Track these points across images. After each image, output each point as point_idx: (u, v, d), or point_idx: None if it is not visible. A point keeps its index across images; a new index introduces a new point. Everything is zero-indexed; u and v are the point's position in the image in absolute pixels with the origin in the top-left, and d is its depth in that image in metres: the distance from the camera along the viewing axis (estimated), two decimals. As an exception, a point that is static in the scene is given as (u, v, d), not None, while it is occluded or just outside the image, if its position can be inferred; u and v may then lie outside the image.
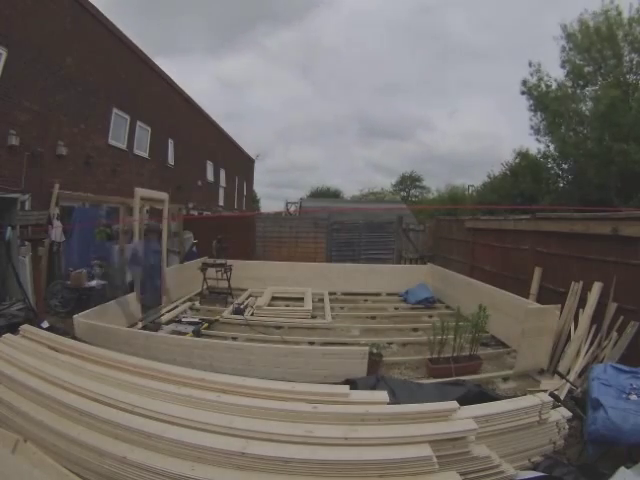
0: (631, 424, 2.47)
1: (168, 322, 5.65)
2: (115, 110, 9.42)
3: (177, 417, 2.27)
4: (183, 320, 5.77)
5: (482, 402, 2.69)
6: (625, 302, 4.06)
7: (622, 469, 2.18)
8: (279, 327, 5.82)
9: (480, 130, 56.87)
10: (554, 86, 16.44)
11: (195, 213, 13.72)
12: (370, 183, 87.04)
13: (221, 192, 18.83)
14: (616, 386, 2.78)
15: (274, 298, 7.40)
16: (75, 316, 4.40)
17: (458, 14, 57.55)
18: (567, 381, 3.51)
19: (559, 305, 4.44)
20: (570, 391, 3.50)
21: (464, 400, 2.74)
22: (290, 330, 5.72)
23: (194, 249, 9.43)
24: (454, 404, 2.41)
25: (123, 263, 6.08)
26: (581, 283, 4.68)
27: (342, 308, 7.14)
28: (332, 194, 38.05)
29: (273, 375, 3.65)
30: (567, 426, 2.74)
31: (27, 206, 6.56)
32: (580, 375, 3.77)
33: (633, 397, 2.67)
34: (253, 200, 29.41)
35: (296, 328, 5.79)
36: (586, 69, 15.44)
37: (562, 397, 3.50)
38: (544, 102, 16.38)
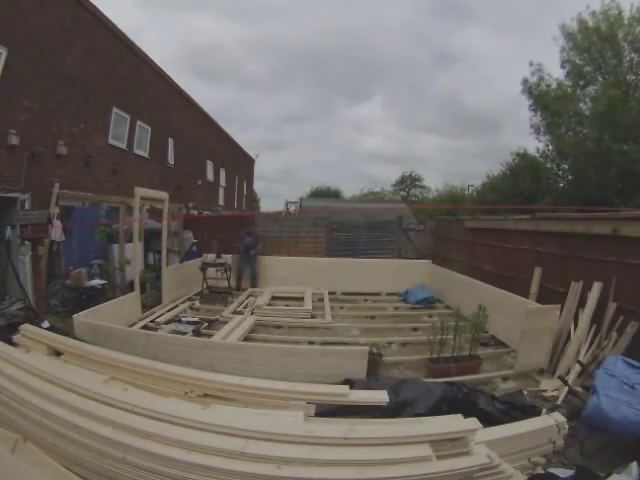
0: (620, 414, 2.50)
1: (168, 322, 5.64)
2: (115, 110, 9.41)
3: (177, 417, 2.27)
4: (183, 320, 5.77)
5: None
6: (625, 302, 4.06)
7: (614, 476, 2.21)
8: (279, 327, 5.82)
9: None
10: (554, 85, 16.46)
11: (195, 213, 13.72)
12: (370, 180, 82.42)
13: (221, 191, 18.83)
14: (620, 378, 2.80)
15: (274, 298, 7.40)
16: (75, 315, 4.40)
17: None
18: (567, 385, 3.52)
19: (559, 305, 4.44)
20: (571, 392, 3.49)
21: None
22: (290, 330, 5.72)
23: (194, 248, 9.43)
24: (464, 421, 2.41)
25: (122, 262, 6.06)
26: (581, 283, 4.68)
27: (342, 308, 7.14)
28: (332, 194, 38.10)
29: (273, 375, 3.65)
30: (567, 426, 2.74)
31: (27, 205, 6.55)
32: (580, 375, 3.78)
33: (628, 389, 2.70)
34: (253, 200, 29.43)
35: (296, 328, 5.79)
36: (586, 69, 15.44)
37: (562, 398, 3.51)
38: (544, 101, 16.39)
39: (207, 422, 2.23)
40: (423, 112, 55.78)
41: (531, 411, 3.14)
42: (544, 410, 3.26)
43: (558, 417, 2.76)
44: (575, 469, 2.38)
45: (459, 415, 2.47)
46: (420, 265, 8.66)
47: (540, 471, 2.46)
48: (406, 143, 58.13)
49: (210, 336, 4.94)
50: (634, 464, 2.21)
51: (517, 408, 3.10)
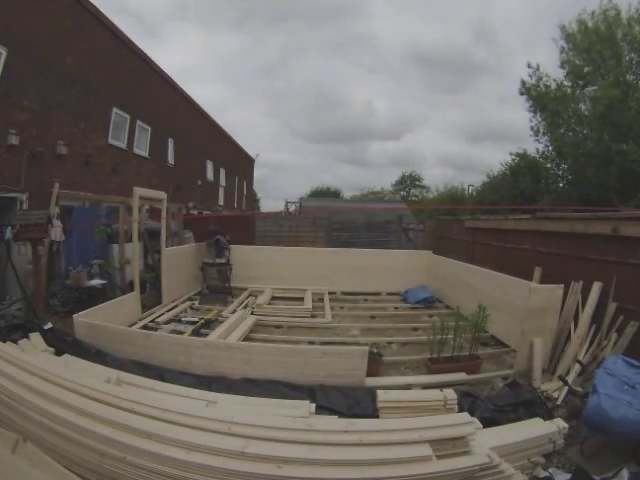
0: (620, 414, 2.51)
1: (168, 322, 5.64)
2: (115, 109, 9.42)
3: (177, 416, 2.27)
4: (183, 319, 5.77)
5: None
6: (625, 302, 4.06)
7: None
8: (279, 326, 5.82)
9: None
10: (553, 86, 16.44)
11: (195, 212, 13.73)
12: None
13: (221, 191, 18.85)
14: (620, 377, 2.80)
15: (274, 297, 7.40)
16: (75, 315, 4.39)
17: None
18: (567, 385, 3.52)
19: (562, 285, 4.43)
20: (571, 392, 3.50)
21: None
22: (290, 329, 5.72)
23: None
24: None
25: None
26: (581, 283, 4.68)
27: (342, 308, 7.13)
28: (332, 194, 38.16)
29: (273, 375, 3.65)
30: (567, 426, 2.75)
31: (25, 205, 6.55)
32: (580, 375, 3.78)
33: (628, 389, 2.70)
34: (253, 199, 29.45)
35: (296, 327, 5.79)
36: (585, 69, 15.43)
37: (562, 398, 3.51)
38: (543, 102, 16.38)
39: (208, 421, 2.23)
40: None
41: (532, 404, 3.15)
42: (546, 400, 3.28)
43: (559, 422, 2.77)
44: (572, 474, 2.39)
45: (459, 415, 2.47)
46: (420, 255, 8.75)
47: (540, 471, 2.46)
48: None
49: (209, 336, 4.94)
50: (624, 470, 2.22)
51: (519, 405, 3.10)
